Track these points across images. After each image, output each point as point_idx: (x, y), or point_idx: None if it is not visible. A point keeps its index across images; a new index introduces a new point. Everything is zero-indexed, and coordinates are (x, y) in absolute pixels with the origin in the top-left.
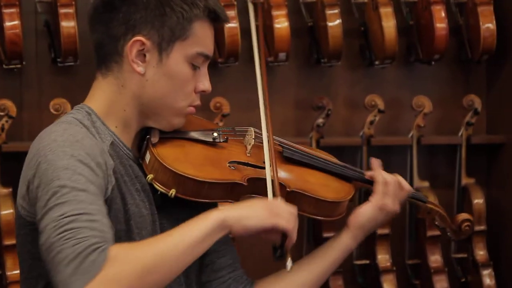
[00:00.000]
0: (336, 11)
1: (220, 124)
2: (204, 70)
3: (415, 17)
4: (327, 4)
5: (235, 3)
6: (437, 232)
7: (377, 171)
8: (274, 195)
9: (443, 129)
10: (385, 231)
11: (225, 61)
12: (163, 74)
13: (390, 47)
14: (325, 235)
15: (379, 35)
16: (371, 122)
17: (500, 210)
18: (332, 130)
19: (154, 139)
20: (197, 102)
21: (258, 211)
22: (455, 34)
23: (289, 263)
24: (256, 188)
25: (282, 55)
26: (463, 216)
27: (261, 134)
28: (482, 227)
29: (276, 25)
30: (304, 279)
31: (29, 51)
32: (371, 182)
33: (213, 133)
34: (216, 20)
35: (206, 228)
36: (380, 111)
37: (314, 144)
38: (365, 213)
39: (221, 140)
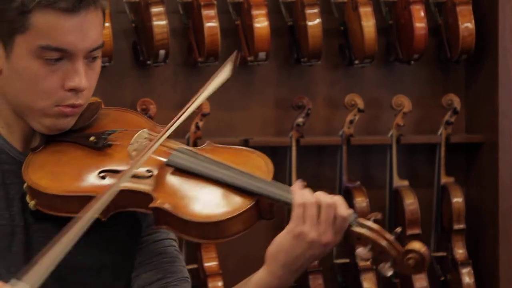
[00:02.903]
0: (315, 10)
1: (200, 123)
2: (74, 65)
3: (395, 16)
4: (307, 4)
5: (215, 2)
6: (417, 231)
7: (296, 191)
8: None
9: (422, 129)
10: None
11: (205, 61)
12: (13, 71)
13: (370, 46)
14: None
15: (358, 34)
16: (351, 122)
17: (479, 208)
18: (312, 129)
19: (34, 143)
20: (69, 101)
21: None
22: (434, 34)
23: None
24: (118, 200)
25: (262, 55)
26: (414, 245)
27: (155, 137)
28: (461, 226)
29: (256, 25)
30: None
31: None
32: (284, 201)
33: (91, 138)
34: (65, 9)
35: None
36: (359, 111)
37: (294, 144)
38: (278, 241)
39: (103, 144)
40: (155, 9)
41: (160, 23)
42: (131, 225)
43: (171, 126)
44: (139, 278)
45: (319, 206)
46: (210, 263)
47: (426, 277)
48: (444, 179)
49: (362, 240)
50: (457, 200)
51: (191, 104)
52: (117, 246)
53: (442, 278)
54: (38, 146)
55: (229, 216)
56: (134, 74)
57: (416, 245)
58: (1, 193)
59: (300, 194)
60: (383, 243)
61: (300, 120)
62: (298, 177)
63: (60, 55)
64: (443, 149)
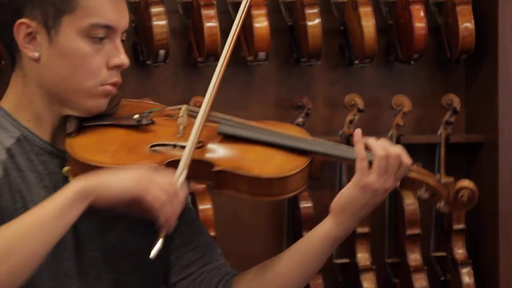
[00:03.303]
0: (315, 10)
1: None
2: (115, 43)
3: (395, 16)
4: (307, 4)
5: (215, 2)
6: (416, 231)
7: (357, 146)
8: (181, 174)
9: (422, 128)
10: (365, 229)
11: (205, 61)
12: (57, 54)
13: (370, 46)
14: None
15: (358, 34)
16: (351, 122)
17: (479, 208)
18: (312, 129)
19: (69, 128)
20: (114, 79)
21: (124, 180)
22: (434, 34)
23: (154, 249)
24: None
25: (261, 55)
26: (463, 183)
27: (197, 112)
28: (461, 226)
29: (256, 25)
30: (282, 269)
31: None
32: (349, 158)
33: (135, 116)
34: None
35: (65, 199)
36: (359, 111)
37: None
38: (345, 194)
39: (147, 122)
40: (155, 9)
41: (160, 23)
42: None
43: (212, 93)
44: (182, 258)
45: (381, 158)
46: None
47: (426, 277)
48: (444, 179)
49: (416, 183)
50: None
51: (224, 59)
52: (152, 230)
53: (442, 278)
54: (74, 131)
55: (293, 172)
56: (134, 74)
57: (465, 183)
58: (47, 183)
59: (360, 149)
60: (434, 184)
61: (300, 120)
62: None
63: (105, 33)
64: (443, 149)
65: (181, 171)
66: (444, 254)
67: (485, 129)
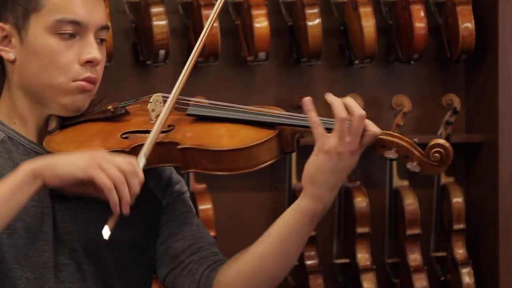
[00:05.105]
0: (315, 10)
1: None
2: (87, 39)
3: (395, 16)
4: (307, 4)
5: (215, 2)
6: (416, 231)
7: (309, 114)
8: (143, 156)
9: (422, 128)
10: (365, 229)
11: (205, 61)
12: (28, 53)
13: (370, 46)
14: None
15: (358, 34)
16: None
17: (479, 209)
18: None
19: (50, 126)
20: (86, 74)
21: (76, 160)
22: (434, 34)
23: (105, 229)
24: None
25: (262, 55)
26: (437, 140)
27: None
28: (461, 226)
29: (256, 25)
30: (263, 250)
31: None
32: (305, 125)
33: (109, 107)
34: None
35: (16, 180)
36: None
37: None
38: (310, 163)
39: (120, 113)
40: (155, 9)
41: (160, 23)
42: (152, 204)
43: (183, 76)
44: (170, 248)
45: (346, 119)
46: None
47: (426, 277)
48: (444, 179)
49: (387, 146)
50: (457, 200)
51: (198, 46)
52: (140, 223)
53: (442, 278)
54: (54, 129)
55: (256, 142)
56: (134, 74)
57: (440, 140)
58: None
59: (313, 114)
60: (406, 144)
61: None
62: (298, 177)
63: (74, 29)
64: None
65: (144, 153)
66: (444, 254)
67: (485, 129)
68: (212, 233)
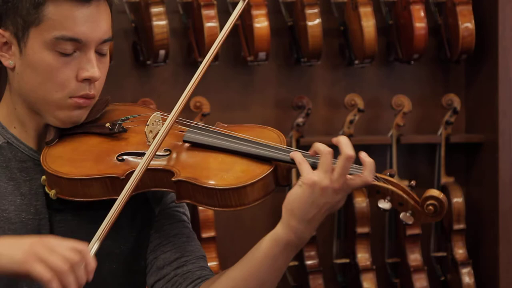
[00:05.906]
0: (315, 10)
1: (200, 124)
2: (87, 55)
3: (395, 16)
4: (307, 4)
5: (215, 2)
6: (417, 231)
7: (295, 154)
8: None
9: (422, 128)
10: (365, 229)
11: None
12: (26, 65)
13: (370, 46)
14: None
15: (358, 34)
16: (351, 122)
17: (479, 208)
18: (312, 129)
19: (49, 136)
20: (83, 91)
21: (14, 251)
22: (434, 34)
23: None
24: (143, 180)
25: (262, 55)
26: (432, 192)
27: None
28: (461, 226)
29: (256, 25)
30: (237, 274)
31: None
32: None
33: (107, 124)
34: (77, 0)
35: None
36: (359, 111)
37: (294, 144)
38: (292, 193)
39: (118, 130)
40: (155, 9)
41: (160, 23)
42: (146, 212)
43: (184, 98)
44: (158, 259)
45: (331, 153)
46: (210, 263)
47: (426, 277)
48: (444, 179)
49: (381, 192)
50: (457, 200)
51: (203, 67)
52: (133, 233)
53: (442, 278)
54: (52, 140)
55: (251, 182)
56: (134, 74)
57: (434, 192)
58: (25, 189)
59: (298, 155)
60: (401, 193)
61: (300, 120)
62: (298, 177)
63: (73, 47)
64: (443, 149)
65: (98, 237)
66: (444, 254)
67: (485, 129)
68: (212, 233)
